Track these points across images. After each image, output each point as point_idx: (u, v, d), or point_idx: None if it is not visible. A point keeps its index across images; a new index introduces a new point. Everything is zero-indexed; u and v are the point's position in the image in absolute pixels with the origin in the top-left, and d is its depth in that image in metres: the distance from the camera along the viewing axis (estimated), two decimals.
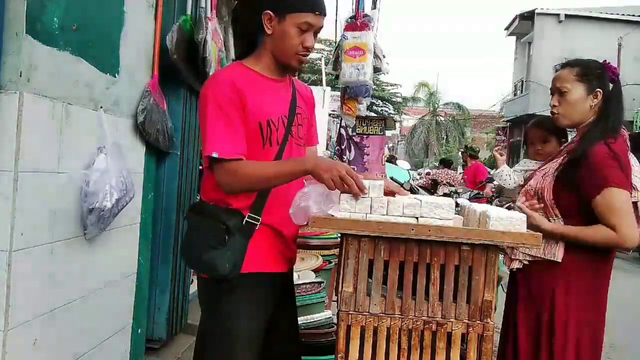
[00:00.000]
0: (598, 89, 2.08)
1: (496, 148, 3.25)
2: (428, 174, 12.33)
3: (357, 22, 4.07)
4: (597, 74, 2.11)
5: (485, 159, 27.17)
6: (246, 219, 1.82)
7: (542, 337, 2.05)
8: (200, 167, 3.90)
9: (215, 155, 1.74)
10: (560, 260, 2.03)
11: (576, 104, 2.10)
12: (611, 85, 2.12)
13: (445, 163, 10.80)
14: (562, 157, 2.13)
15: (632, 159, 2.10)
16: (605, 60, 2.18)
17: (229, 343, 1.85)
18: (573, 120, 2.14)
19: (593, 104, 2.09)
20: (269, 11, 1.83)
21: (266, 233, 1.86)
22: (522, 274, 2.12)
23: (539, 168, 2.27)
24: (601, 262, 2.06)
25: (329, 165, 1.71)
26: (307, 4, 1.84)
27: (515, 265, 2.10)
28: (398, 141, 43.36)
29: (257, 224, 1.83)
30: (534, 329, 2.08)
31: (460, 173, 9.66)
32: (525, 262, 2.09)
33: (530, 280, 2.10)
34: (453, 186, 7.82)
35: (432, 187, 8.09)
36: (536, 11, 21.44)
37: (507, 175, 2.85)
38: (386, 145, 7.32)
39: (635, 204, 2.08)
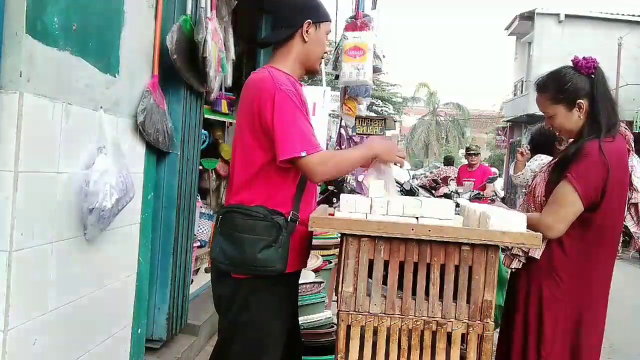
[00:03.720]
0: (579, 100, 2.04)
1: (521, 148, 3.23)
2: (431, 173, 12.16)
3: (357, 22, 4.07)
4: (570, 88, 2.04)
5: (485, 159, 27.19)
6: (290, 217, 1.90)
7: (530, 337, 2.04)
8: (201, 167, 3.90)
9: (303, 154, 1.81)
10: (538, 257, 2.03)
11: (564, 123, 2.10)
12: (592, 78, 2.04)
13: (449, 161, 10.77)
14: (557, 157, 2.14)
15: (635, 159, 2.08)
16: (574, 57, 2.10)
17: (261, 342, 1.93)
18: (569, 134, 2.14)
19: (580, 114, 2.05)
20: (310, 20, 1.99)
21: (300, 230, 1.94)
22: (520, 273, 2.11)
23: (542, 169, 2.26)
24: (591, 264, 2.02)
25: (387, 147, 2.01)
26: (328, 14, 2.09)
27: (515, 264, 2.10)
28: (398, 141, 43.27)
29: (297, 221, 1.92)
30: (525, 329, 2.07)
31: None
32: (523, 261, 2.08)
33: (523, 280, 2.10)
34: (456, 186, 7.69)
35: (432, 187, 7.96)
36: (536, 11, 21.41)
37: (525, 179, 2.84)
38: None
39: (635, 205, 2.08)
